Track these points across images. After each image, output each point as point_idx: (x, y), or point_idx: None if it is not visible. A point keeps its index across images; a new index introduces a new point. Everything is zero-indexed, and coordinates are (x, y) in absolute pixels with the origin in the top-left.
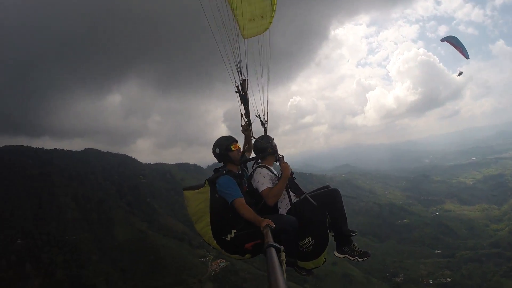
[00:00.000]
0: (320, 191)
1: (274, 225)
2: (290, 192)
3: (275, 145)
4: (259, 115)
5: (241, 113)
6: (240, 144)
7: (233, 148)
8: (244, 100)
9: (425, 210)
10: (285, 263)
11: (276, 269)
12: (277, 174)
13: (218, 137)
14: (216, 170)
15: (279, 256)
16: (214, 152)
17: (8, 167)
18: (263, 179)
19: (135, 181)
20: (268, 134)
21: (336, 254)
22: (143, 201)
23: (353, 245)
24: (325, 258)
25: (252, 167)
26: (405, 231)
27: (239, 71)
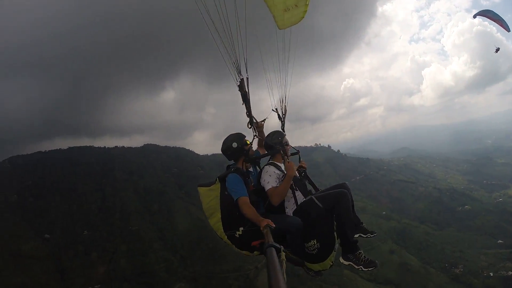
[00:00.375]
0: (328, 192)
1: (274, 225)
2: (297, 192)
3: (286, 141)
4: (276, 108)
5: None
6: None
7: (248, 143)
8: (245, 99)
9: (488, 195)
10: (294, 262)
11: (276, 269)
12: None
13: (229, 134)
14: (227, 167)
15: (279, 256)
16: (230, 146)
17: (74, 166)
18: (269, 177)
19: (193, 172)
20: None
21: (341, 260)
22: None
23: (359, 253)
24: (332, 262)
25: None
26: (466, 218)
27: (238, 70)
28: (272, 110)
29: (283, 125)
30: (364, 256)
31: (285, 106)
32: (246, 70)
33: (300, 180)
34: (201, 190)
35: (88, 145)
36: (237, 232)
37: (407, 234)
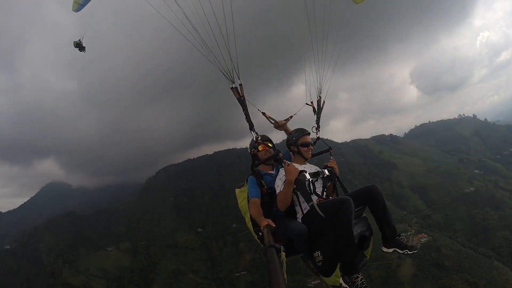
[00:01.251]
0: (328, 200)
1: (274, 225)
2: (301, 197)
3: (304, 141)
4: (311, 101)
5: (265, 116)
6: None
7: (260, 149)
8: (242, 104)
9: None
10: (310, 269)
11: (276, 270)
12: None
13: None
14: (251, 168)
15: (279, 256)
16: (249, 152)
17: (220, 167)
18: (279, 181)
19: (335, 160)
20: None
21: (340, 281)
22: (344, 178)
23: (356, 276)
24: (339, 280)
25: None
26: None
27: (232, 79)
28: (306, 103)
29: (318, 119)
30: (362, 282)
31: (322, 98)
32: (239, 77)
33: (303, 185)
34: (236, 191)
35: (231, 147)
36: (260, 232)
37: None
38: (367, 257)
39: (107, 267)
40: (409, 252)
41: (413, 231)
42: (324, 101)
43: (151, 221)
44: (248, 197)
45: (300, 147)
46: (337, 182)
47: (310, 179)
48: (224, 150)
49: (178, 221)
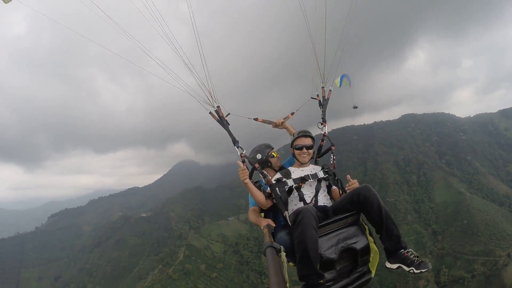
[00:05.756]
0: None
1: (274, 225)
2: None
3: (301, 141)
4: (317, 95)
5: (264, 121)
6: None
7: (275, 155)
8: (223, 125)
9: None
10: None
11: (276, 269)
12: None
13: (257, 145)
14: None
15: (279, 256)
16: (253, 157)
17: (338, 145)
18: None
19: (455, 138)
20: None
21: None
22: (464, 159)
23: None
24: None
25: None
26: None
27: (209, 103)
28: (312, 98)
29: (324, 113)
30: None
31: (328, 88)
32: (216, 99)
33: (276, 194)
34: None
35: (349, 125)
36: None
37: None
38: (371, 271)
39: (226, 234)
40: (415, 271)
41: None
42: (330, 90)
43: None
44: (249, 207)
45: (294, 149)
46: (337, 183)
47: (294, 186)
48: (342, 127)
49: None
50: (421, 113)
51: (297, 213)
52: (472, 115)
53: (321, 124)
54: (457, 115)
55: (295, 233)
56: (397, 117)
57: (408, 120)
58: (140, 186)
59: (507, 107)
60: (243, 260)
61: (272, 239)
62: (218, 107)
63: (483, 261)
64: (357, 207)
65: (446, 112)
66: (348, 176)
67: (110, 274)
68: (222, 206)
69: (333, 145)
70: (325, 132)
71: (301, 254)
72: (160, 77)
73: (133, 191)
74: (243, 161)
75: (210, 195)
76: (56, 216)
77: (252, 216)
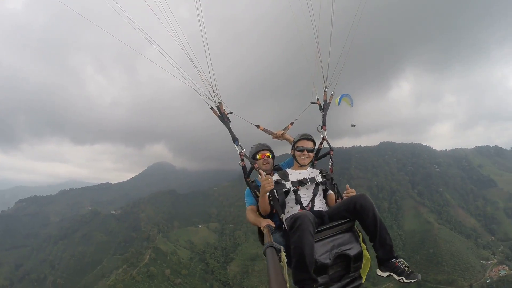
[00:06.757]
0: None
1: (274, 225)
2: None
3: (302, 143)
4: (317, 98)
5: (264, 130)
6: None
7: (259, 157)
8: (223, 121)
9: None
10: None
11: (276, 269)
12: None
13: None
14: None
15: (279, 256)
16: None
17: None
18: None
19: (429, 170)
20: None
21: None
22: (436, 191)
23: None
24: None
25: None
26: None
27: (211, 98)
28: (311, 102)
29: (324, 117)
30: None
31: (330, 92)
32: (219, 95)
33: (275, 197)
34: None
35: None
36: None
37: None
38: (362, 277)
39: (194, 241)
40: (405, 281)
41: (495, 260)
42: (332, 95)
43: (242, 207)
44: (246, 206)
45: (295, 151)
46: (334, 188)
47: (292, 188)
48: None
49: None
50: (399, 142)
51: (296, 218)
52: (448, 149)
53: (321, 127)
54: (433, 148)
55: (292, 238)
56: (375, 144)
57: (386, 148)
58: (113, 182)
59: (483, 145)
60: (208, 269)
61: (272, 239)
62: (220, 103)
63: None
64: (353, 215)
65: (424, 143)
66: (347, 186)
67: (73, 268)
68: (194, 212)
69: (332, 150)
70: (325, 136)
71: (298, 259)
72: (164, 68)
73: (106, 187)
74: (242, 160)
75: (182, 200)
76: (24, 202)
77: (251, 216)
